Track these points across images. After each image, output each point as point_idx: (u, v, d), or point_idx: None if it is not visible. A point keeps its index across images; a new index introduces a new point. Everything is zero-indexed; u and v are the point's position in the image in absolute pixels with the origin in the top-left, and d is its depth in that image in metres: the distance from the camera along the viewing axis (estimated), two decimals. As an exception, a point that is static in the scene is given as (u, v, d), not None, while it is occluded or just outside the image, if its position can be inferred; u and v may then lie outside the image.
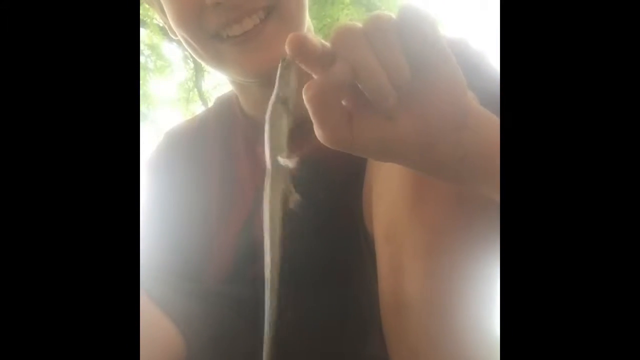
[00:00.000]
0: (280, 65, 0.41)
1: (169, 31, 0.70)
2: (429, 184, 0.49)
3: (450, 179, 0.44)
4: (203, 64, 0.69)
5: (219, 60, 0.64)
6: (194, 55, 0.67)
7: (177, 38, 0.68)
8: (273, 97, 0.40)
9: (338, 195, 0.62)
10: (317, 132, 0.37)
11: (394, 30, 0.35)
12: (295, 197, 0.40)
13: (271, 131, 0.40)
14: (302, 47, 0.36)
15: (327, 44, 0.37)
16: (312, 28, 0.69)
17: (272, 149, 0.40)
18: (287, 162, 0.39)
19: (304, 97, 0.37)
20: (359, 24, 0.36)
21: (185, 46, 0.66)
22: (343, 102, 0.38)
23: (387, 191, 0.52)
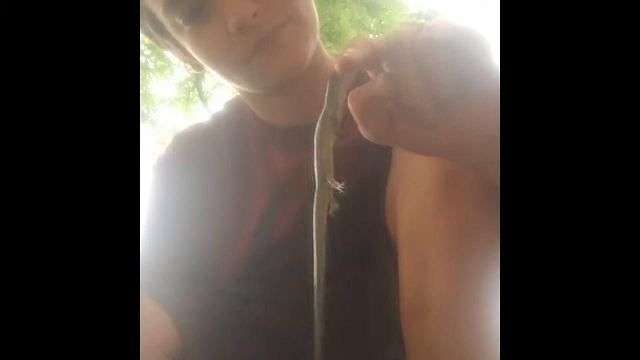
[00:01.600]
0: (329, 82, 0.42)
1: (192, 67, 0.72)
2: (457, 186, 0.49)
3: (481, 175, 0.45)
4: (233, 84, 0.70)
5: (247, 78, 0.65)
6: (223, 79, 0.69)
7: (200, 72, 0.69)
8: (322, 114, 0.42)
9: (357, 197, 0.63)
10: (360, 128, 0.39)
11: (442, 49, 0.36)
12: (334, 206, 0.42)
13: (320, 150, 0.41)
14: (351, 65, 0.37)
15: (375, 44, 0.38)
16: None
17: (320, 169, 0.41)
18: (334, 182, 0.41)
19: (349, 104, 0.39)
20: (410, 36, 0.37)
21: (218, 75, 0.68)
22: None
23: (413, 191, 0.53)
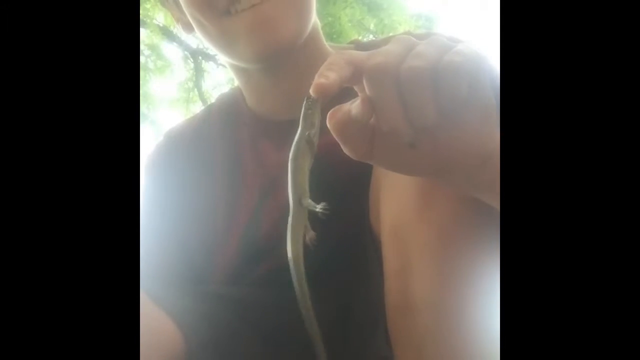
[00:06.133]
0: (304, 104, 0.42)
1: (182, 28, 0.72)
2: (438, 186, 0.49)
3: (464, 194, 0.46)
4: (212, 45, 0.70)
5: (227, 38, 0.64)
6: (204, 37, 0.68)
7: (190, 34, 0.70)
8: (297, 137, 0.42)
9: (344, 193, 0.62)
10: (341, 145, 0.39)
11: (427, 80, 0.35)
12: (311, 234, 0.42)
13: (294, 173, 0.42)
14: (326, 91, 0.37)
15: (357, 63, 0.37)
16: (318, 22, 0.69)
17: (295, 191, 0.42)
18: (312, 204, 0.41)
19: (327, 123, 0.38)
20: (396, 60, 0.36)
21: (196, 29, 0.67)
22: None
23: (395, 190, 0.53)
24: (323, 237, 0.61)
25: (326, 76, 0.37)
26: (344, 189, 0.62)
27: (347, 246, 0.62)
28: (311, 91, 0.37)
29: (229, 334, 0.58)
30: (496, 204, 0.43)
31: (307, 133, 0.41)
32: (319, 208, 0.40)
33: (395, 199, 0.53)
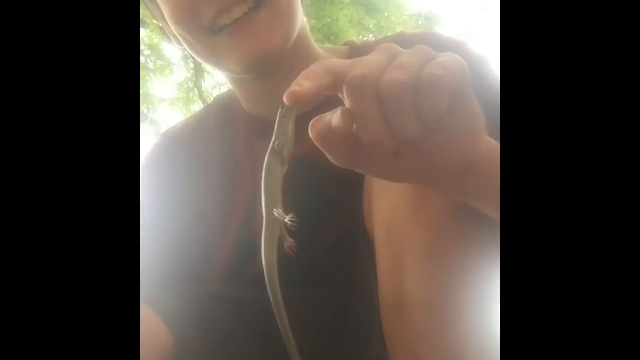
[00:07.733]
0: (279, 113, 0.41)
1: (172, 39, 0.72)
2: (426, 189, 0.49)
3: (449, 199, 0.47)
4: (201, 60, 0.69)
5: (214, 53, 0.64)
6: (192, 53, 0.68)
7: (181, 47, 0.69)
8: (270, 146, 0.41)
9: (337, 195, 0.62)
10: (325, 153, 0.39)
11: (408, 94, 0.35)
12: (290, 242, 0.41)
13: (267, 183, 0.41)
14: (299, 100, 0.36)
15: (337, 72, 0.36)
16: (306, 24, 0.69)
17: (267, 202, 0.41)
18: (282, 214, 0.40)
19: (309, 133, 0.38)
20: (377, 71, 0.36)
21: (184, 45, 0.67)
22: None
23: (389, 192, 0.52)
24: (318, 239, 0.61)
25: (301, 85, 0.36)
26: (338, 190, 0.62)
27: (342, 247, 0.61)
28: (285, 99, 0.36)
29: (225, 334, 0.58)
30: (484, 209, 0.44)
31: (276, 142, 0.41)
32: (287, 219, 0.39)
33: (388, 199, 0.53)
